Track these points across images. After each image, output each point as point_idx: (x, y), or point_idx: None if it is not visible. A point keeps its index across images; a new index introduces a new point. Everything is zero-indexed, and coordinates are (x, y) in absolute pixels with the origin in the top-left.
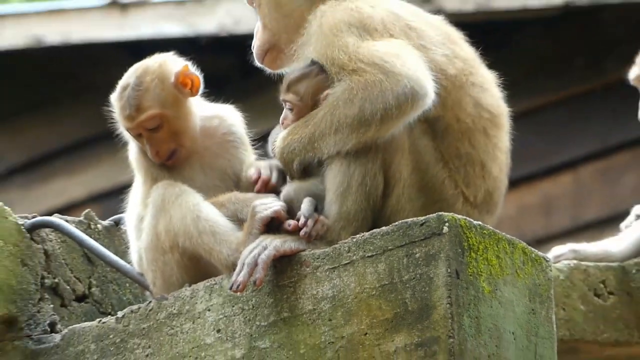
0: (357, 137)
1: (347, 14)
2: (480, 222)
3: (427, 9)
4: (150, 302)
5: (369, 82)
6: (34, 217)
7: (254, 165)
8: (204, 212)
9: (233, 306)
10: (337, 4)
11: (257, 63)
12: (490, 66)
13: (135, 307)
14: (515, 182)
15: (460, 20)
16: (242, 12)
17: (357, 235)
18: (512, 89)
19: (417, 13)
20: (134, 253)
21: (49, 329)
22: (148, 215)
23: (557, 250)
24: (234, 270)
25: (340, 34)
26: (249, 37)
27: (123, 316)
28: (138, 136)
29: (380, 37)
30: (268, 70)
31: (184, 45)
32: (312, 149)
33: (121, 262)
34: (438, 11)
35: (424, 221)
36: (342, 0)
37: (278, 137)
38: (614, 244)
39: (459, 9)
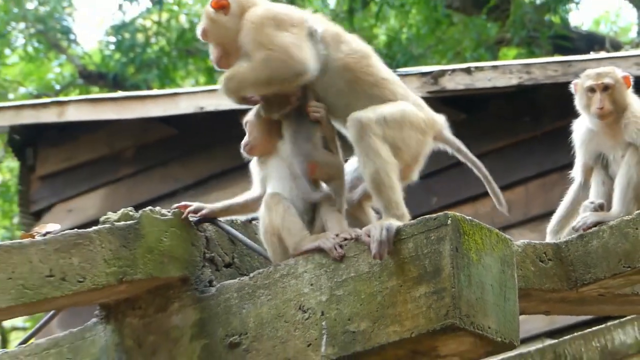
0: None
1: (265, 13)
2: (470, 217)
3: (433, 88)
4: (269, 267)
5: (279, 58)
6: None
7: None
8: (288, 214)
9: (320, 269)
10: (256, 8)
11: (217, 67)
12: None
13: (261, 270)
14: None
15: (455, 95)
16: None
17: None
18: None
19: (309, 15)
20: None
21: (208, 285)
22: (262, 211)
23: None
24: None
25: (261, 26)
26: None
27: (253, 276)
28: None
29: (286, 29)
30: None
31: None
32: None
33: (250, 242)
34: (442, 89)
35: (436, 217)
36: (259, 5)
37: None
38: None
39: (454, 87)
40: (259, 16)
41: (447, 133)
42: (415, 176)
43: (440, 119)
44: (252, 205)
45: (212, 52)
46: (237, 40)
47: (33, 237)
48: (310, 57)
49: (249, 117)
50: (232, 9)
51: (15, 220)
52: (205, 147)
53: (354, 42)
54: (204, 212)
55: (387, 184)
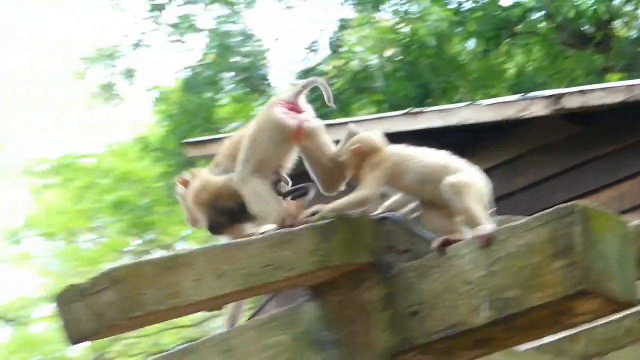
0: None
1: None
2: (594, 205)
3: (556, 107)
4: (436, 252)
5: None
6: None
7: None
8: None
9: (478, 251)
10: None
11: None
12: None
13: (431, 254)
14: None
15: (572, 112)
16: None
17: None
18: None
19: None
20: None
21: (390, 267)
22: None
23: None
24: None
25: None
26: None
27: (426, 259)
28: None
29: None
30: None
31: None
32: None
33: (421, 232)
34: (562, 108)
35: (566, 206)
36: None
37: None
38: None
39: (571, 106)
40: None
41: None
42: None
43: None
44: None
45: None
46: None
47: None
48: None
49: None
50: None
51: None
52: None
53: None
54: (378, 211)
55: None
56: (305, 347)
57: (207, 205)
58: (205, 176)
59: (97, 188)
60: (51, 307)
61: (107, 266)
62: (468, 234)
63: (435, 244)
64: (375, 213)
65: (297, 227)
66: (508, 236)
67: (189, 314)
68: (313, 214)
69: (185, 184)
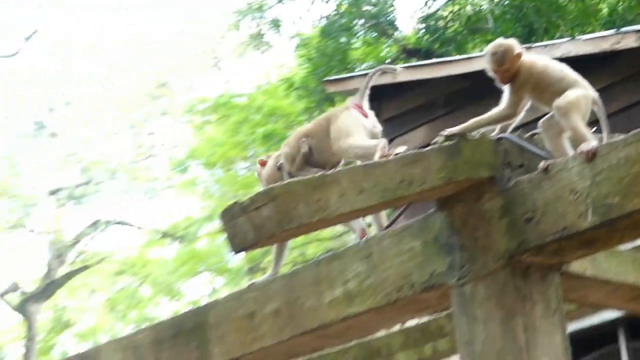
0: None
1: None
2: None
3: None
4: (550, 164)
5: None
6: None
7: None
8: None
9: (583, 164)
10: None
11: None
12: None
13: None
14: None
15: None
16: None
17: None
18: None
19: None
20: None
21: (507, 180)
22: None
23: None
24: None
25: None
26: None
27: (538, 172)
28: None
29: None
30: None
31: None
32: None
33: (534, 149)
34: None
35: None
36: None
37: None
38: None
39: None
40: None
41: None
42: None
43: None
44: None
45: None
46: None
47: (389, 156)
48: None
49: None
50: None
51: None
52: (492, 95)
53: None
54: (496, 132)
55: None
56: (435, 252)
57: None
58: (269, 169)
59: (249, 123)
60: (213, 225)
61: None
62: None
63: (542, 165)
64: (493, 134)
65: (427, 149)
66: (609, 151)
67: (334, 225)
68: (443, 137)
69: (263, 164)
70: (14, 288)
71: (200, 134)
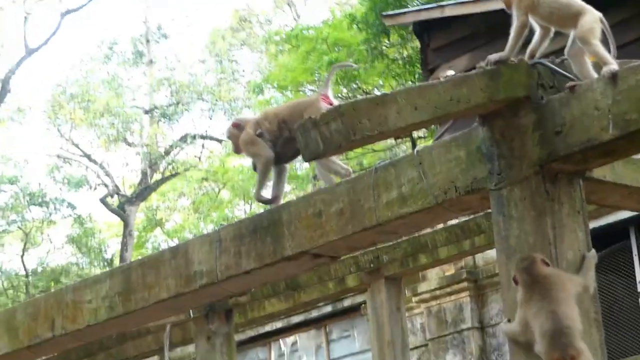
0: None
1: None
2: None
3: None
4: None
5: None
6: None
7: None
8: None
9: (607, 85)
10: None
11: None
12: None
13: (568, 88)
14: None
15: None
16: None
17: None
18: None
19: None
20: None
21: (541, 99)
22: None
23: None
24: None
25: None
26: None
27: (566, 93)
28: None
29: None
30: None
31: None
32: None
33: (563, 72)
34: None
35: None
36: None
37: None
38: None
39: None
40: None
41: None
42: None
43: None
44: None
45: None
46: None
47: (439, 78)
48: None
49: None
50: None
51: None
52: None
53: None
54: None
55: None
56: (477, 160)
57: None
58: (250, 134)
59: (316, 52)
60: None
61: None
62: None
63: (569, 85)
64: (527, 59)
65: (473, 72)
66: (629, 74)
67: (392, 137)
68: (486, 62)
69: (237, 127)
70: (115, 192)
71: (275, 62)
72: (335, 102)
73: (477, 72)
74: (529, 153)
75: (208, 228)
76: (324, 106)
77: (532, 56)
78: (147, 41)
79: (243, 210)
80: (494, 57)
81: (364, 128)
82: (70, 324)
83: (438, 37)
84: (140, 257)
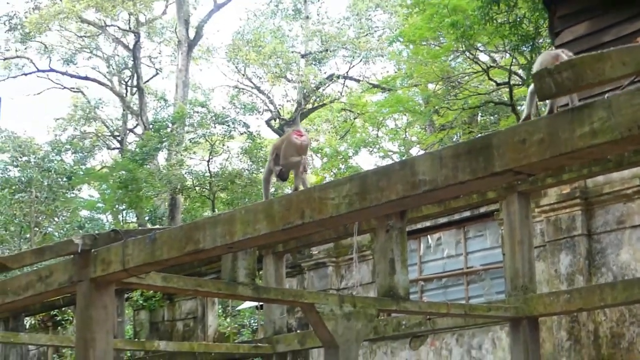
0: None
1: None
2: None
3: None
4: None
5: None
6: None
7: None
8: None
9: None
10: None
11: None
12: None
13: None
14: None
15: None
16: None
17: None
18: None
19: None
20: None
21: None
22: None
23: None
24: None
25: None
26: None
27: None
28: None
29: None
30: None
31: None
32: None
33: None
34: None
35: None
36: None
37: None
38: None
39: None
40: None
41: None
42: None
43: None
44: None
45: None
46: None
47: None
48: None
49: None
50: None
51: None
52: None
53: None
54: None
55: None
56: None
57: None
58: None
59: (439, 14)
60: (408, 82)
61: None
62: None
63: None
64: None
65: None
66: None
67: (605, 84)
68: None
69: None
70: (277, 117)
71: (405, 21)
72: (305, 137)
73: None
74: None
75: (343, 147)
76: (295, 138)
77: None
78: (305, 1)
79: (371, 135)
80: None
81: (587, 77)
82: (317, 215)
83: (562, 7)
84: (373, 167)
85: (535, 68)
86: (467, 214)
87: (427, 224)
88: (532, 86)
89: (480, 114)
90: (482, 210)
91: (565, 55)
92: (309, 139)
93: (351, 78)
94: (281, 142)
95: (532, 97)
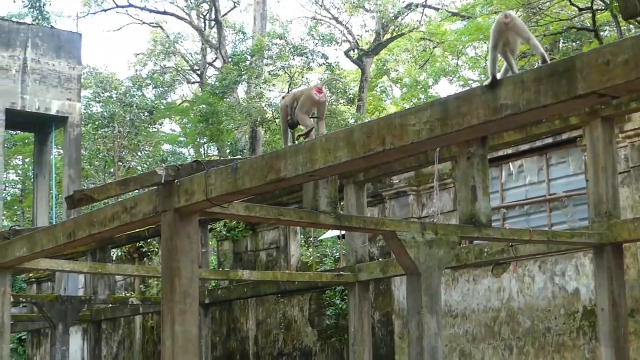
0: None
1: None
2: None
3: None
4: None
5: None
6: None
7: None
8: None
9: None
10: None
11: None
12: None
13: None
14: None
15: None
16: None
17: None
18: None
19: None
20: None
21: None
22: None
23: None
24: None
25: None
26: None
27: None
28: None
29: None
30: None
31: None
32: None
33: None
34: None
35: None
36: None
37: None
38: None
39: None
40: None
41: None
42: None
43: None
44: None
45: None
46: None
47: None
48: None
49: None
50: None
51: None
52: None
53: None
54: None
55: None
56: None
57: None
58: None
59: None
60: (486, 9)
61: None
62: None
63: None
64: None
65: None
66: None
67: None
68: None
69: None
70: (355, 47)
71: None
72: (323, 94)
73: None
74: None
75: (423, 76)
76: (314, 94)
77: None
78: None
79: (452, 64)
80: None
81: None
82: (398, 141)
83: None
84: (455, 92)
85: None
86: (549, 140)
87: (509, 151)
88: (491, 41)
89: (562, 40)
90: (565, 136)
91: None
92: (327, 98)
93: (430, 6)
94: (300, 93)
95: (494, 54)
